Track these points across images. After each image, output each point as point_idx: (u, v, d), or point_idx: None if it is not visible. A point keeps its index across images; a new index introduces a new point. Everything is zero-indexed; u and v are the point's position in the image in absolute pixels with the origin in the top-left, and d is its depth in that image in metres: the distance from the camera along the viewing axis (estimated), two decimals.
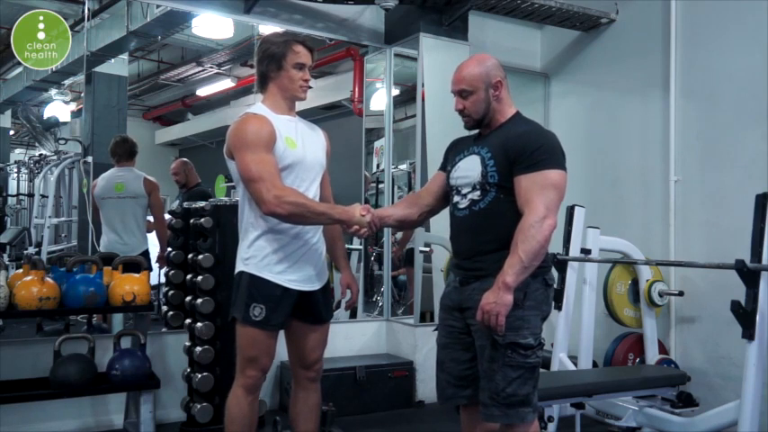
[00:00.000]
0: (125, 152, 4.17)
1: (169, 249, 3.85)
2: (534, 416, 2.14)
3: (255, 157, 2.24)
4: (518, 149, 2.11)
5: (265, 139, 2.28)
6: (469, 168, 2.21)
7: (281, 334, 2.49)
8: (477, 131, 2.33)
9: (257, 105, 2.44)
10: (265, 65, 2.40)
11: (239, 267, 2.38)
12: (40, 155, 5.57)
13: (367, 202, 5.26)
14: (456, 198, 2.26)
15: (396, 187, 5.04)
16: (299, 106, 2.53)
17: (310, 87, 2.47)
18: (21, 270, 3.05)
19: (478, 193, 2.17)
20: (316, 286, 2.44)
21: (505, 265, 2.02)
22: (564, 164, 2.14)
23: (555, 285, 2.44)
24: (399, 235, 5.08)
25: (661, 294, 3.91)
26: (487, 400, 2.11)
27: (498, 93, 2.22)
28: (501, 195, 2.14)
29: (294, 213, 2.22)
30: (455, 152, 2.35)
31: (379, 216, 2.34)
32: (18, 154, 6.19)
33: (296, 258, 2.36)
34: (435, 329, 2.38)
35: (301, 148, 2.39)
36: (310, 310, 2.43)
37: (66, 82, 5.48)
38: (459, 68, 2.26)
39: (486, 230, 2.16)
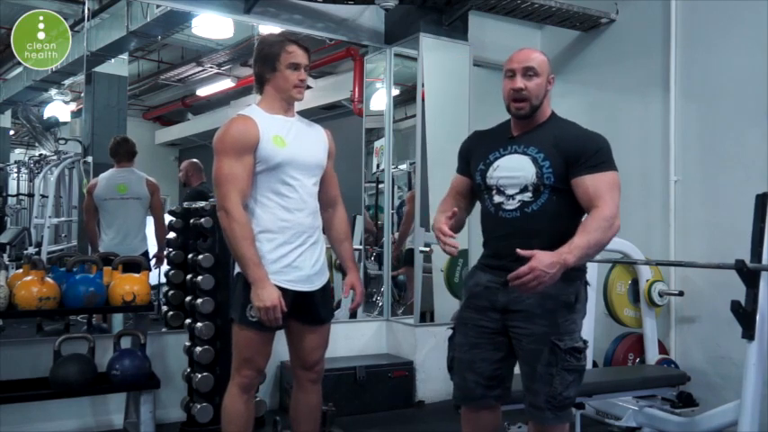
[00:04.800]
0: (125, 153, 4.16)
1: (169, 249, 3.85)
2: None
3: (226, 164, 2.30)
4: (578, 151, 2.08)
5: (242, 146, 2.30)
6: (517, 168, 2.13)
7: (282, 335, 2.48)
8: (504, 128, 2.26)
9: (251, 107, 2.44)
10: (260, 66, 2.41)
11: (237, 269, 2.38)
12: (40, 155, 5.58)
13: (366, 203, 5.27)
14: (498, 198, 2.16)
15: (396, 187, 5.04)
16: (299, 106, 2.53)
17: (309, 87, 2.47)
18: (21, 270, 3.04)
19: (530, 194, 2.11)
20: (314, 286, 2.42)
21: (573, 244, 1.93)
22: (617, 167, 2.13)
23: None
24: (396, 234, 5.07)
25: (661, 294, 3.91)
26: (542, 403, 2.09)
27: (550, 88, 2.20)
28: (554, 197, 2.09)
29: (224, 230, 2.30)
30: (485, 149, 2.24)
31: (443, 231, 2.16)
32: (18, 154, 6.20)
33: (292, 258, 2.35)
34: (452, 328, 2.32)
35: (292, 147, 2.37)
36: (308, 311, 2.42)
37: (67, 82, 5.49)
38: (525, 51, 2.19)
39: (539, 233, 2.09)
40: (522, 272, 1.88)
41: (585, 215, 2.10)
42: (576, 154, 2.08)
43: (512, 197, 2.14)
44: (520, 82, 2.13)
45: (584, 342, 2.13)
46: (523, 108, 2.14)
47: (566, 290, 2.09)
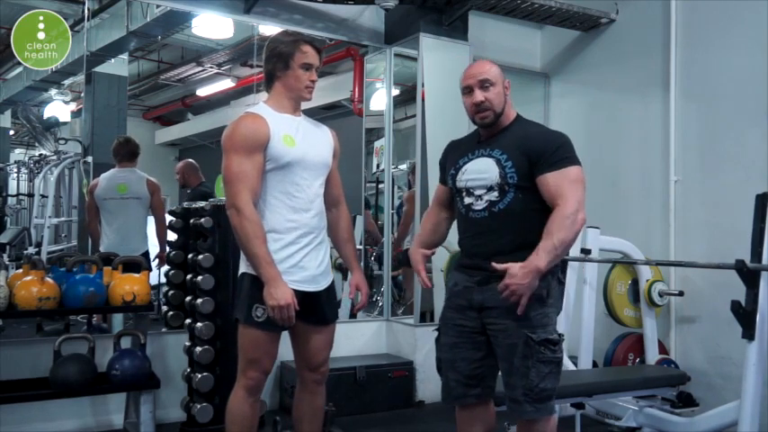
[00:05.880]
0: (128, 153, 4.18)
1: (169, 249, 3.85)
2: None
3: (236, 162, 2.27)
4: (538, 149, 2.17)
5: (252, 144, 2.28)
6: (483, 170, 2.23)
7: (287, 336, 2.48)
8: (474, 135, 2.36)
9: (259, 104, 2.43)
10: (273, 63, 2.40)
11: (242, 269, 2.38)
12: (40, 155, 5.56)
13: (367, 202, 5.27)
14: (468, 200, 2.27)
15: (396, 187, 5.04)
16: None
17: None
18: (21, 270, 3.04)
19: (496, 193, 2.20)
20: (320, 287, 2.42)
21: (540, 249, 2.05)
22: (579, 160, 2.21)
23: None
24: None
25: (661, 294, 3.91)
26: (520, 396, 2.14)
27: (508, 93, 2.28)
28: (519, 195, 2.18)
29: (235, 229, 2.26)
30: (455, 156, 2.37)
31: (423, 254, 2.45)
32: (18, 154, 6.19)
33: (298, 259, 2.35)
34: (437, 329, 2.39)
35: (300, 147, 2.38)
36: (314, 311, 2.41)
37: (66, 82, 5.48)
38: (477, 65, 2.30)
39: (507, 230, 2.19)
40: (500, 289, 2.06)
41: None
42: (538, 153, 2.17)
43: (480, 197, 2.24)
44: (479, 95, 2.23)
45: (560, 335, 2.20)
46: (488, 116, 2.25)
47: (537, 284, 2.14)
